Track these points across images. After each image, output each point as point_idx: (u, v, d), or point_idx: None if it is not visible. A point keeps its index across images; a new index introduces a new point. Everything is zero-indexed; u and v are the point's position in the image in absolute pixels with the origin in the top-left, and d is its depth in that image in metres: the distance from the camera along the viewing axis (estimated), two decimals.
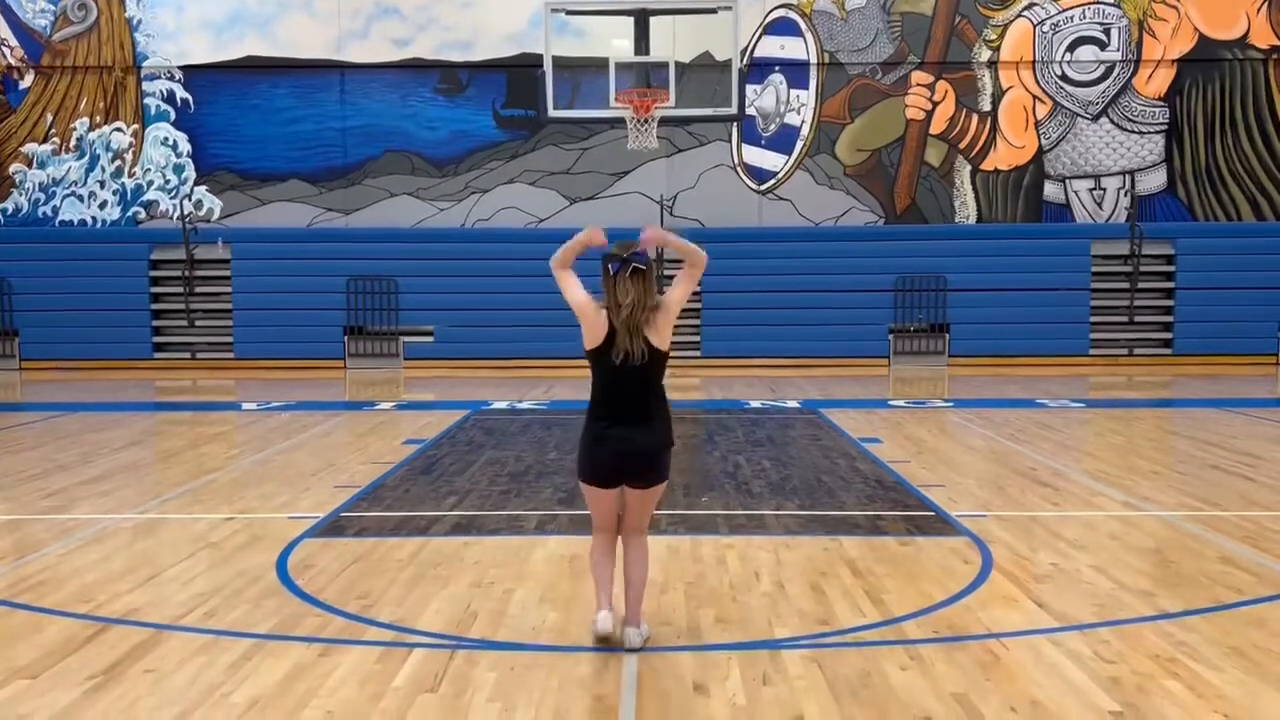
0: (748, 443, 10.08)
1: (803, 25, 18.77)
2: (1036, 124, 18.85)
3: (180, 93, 18.94)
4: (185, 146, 19.00)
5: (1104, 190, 18.93)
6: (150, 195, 19.07)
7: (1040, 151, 18.90)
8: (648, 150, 14.85)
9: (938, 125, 18.88)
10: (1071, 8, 18.66)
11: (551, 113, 14.52)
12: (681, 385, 15.18)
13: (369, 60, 18.84)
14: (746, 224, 18.77)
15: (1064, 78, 18.75)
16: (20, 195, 19.08)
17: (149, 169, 19.05)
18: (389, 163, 18.98)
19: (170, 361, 18.68)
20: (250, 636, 4.72)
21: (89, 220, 19.07)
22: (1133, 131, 18.79)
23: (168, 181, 19.05)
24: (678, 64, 14.49)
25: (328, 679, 4.22)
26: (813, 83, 18.83)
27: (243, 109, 18.96)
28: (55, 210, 19.07)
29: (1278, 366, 18.04)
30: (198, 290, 18.72)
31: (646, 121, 13.79)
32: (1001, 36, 18.76)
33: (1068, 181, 18.94)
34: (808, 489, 7.92)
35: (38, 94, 19.04)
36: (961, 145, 18.91)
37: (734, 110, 14.49)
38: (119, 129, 19.02)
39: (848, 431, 10.70)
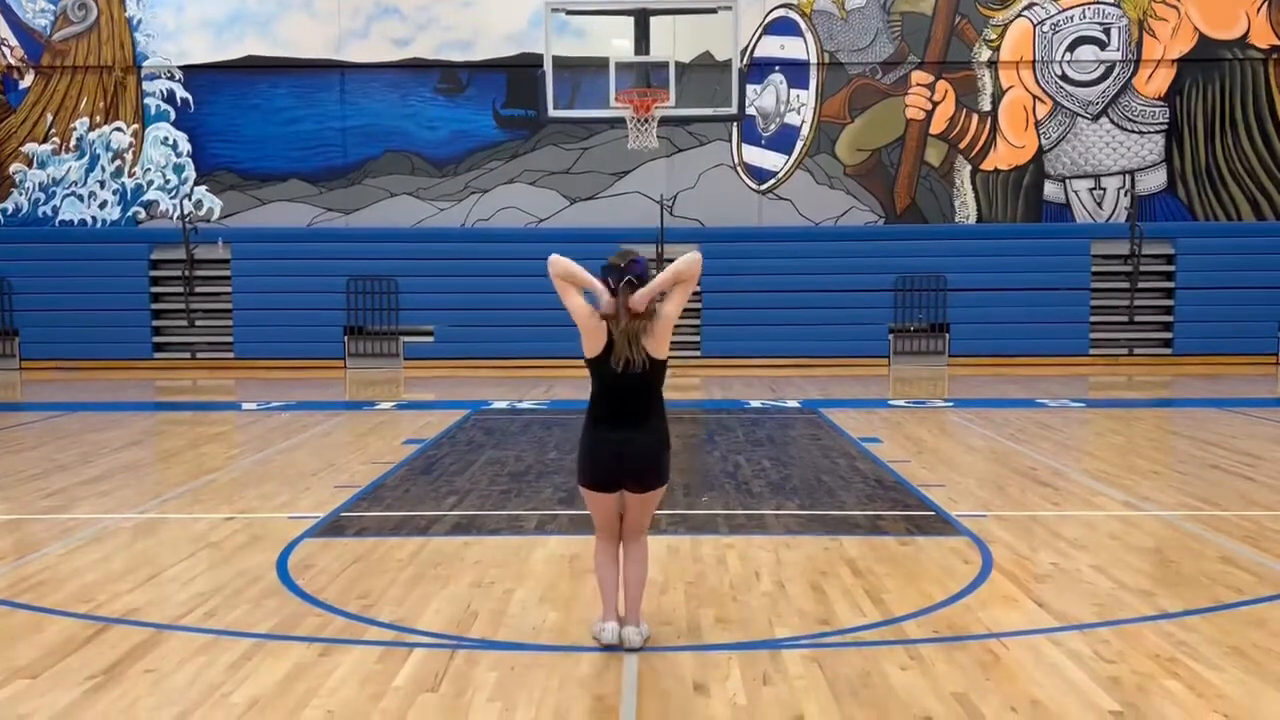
0: (748, 442, 10.08)
1: (803, 25, 18.77)
2: (1036, 124, 18.85)
3: (180, 92, 18.95)
4: (185, 146, 19.00)
5: (1104, 190, 18.93)
6: (150, 195, 19.07)
7: (1040, 151, 18.90)
8: (648, 150, 14.85)
9: (938, 125, 18.88)
10: (1071, 8, 18.66)
11: (551, 113, 14.52)
12: (681, 385, 15.19)
13: (369, 60, 18.84)
14: (746, 224, 18.77)
15: (1064, 77, 18.75)
16: (20, 195, 19.09)
17: (149, 169, 19.05)
18: (389, 163, 18.98)
19: (170, 361, 18.68)
20: (250, 636, 4.72)
21: (89, 220, 19.08)
22: (1133, 131, 18.79)
23: (168, 181, 19.05)
24: (678, 64, 14.49)
25: (328, 679, 4.22)
26: (813, 82, 18.83)
27: (243, 109, 18.97)
28: (55, 210, 19.08)
29: (1278, 366, 18.05)
30: (198, 290, 18.73)
31: (646, 121, 13.79)
32: (1001, 36, 18.77)
33: (1068, 181, 18.94)
34: (808, 489, 7.92)
35: (38, 94, 19.04)
36: (961, 145, 18.91)
37: (734, 110, 14.49)
38: (119, 129, 19.02)
39: (848, 431, 10.70)
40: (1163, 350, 18.57)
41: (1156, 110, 18.74)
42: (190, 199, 18.96)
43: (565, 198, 18.85)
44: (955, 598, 5.23)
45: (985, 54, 18.78)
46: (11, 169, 19.04)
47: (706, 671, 4.29)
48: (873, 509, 7.25)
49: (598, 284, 4.43)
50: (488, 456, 9.32)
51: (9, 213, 19.08)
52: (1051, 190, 18.95)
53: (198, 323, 18.79)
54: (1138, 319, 18.63)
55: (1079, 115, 18.79)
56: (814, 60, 18.79)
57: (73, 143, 19.03)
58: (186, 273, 18.66)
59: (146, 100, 18.98)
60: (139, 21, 18.89)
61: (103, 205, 19.07)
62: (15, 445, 10.37)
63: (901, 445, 9.95)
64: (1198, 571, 5.71)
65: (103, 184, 19.06)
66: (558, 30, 15.32)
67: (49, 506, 7.48)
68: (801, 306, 18.14)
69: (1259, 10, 18.51)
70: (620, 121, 14.49)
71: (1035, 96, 18.81)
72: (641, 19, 13.81)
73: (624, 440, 4.45)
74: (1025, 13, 18.69)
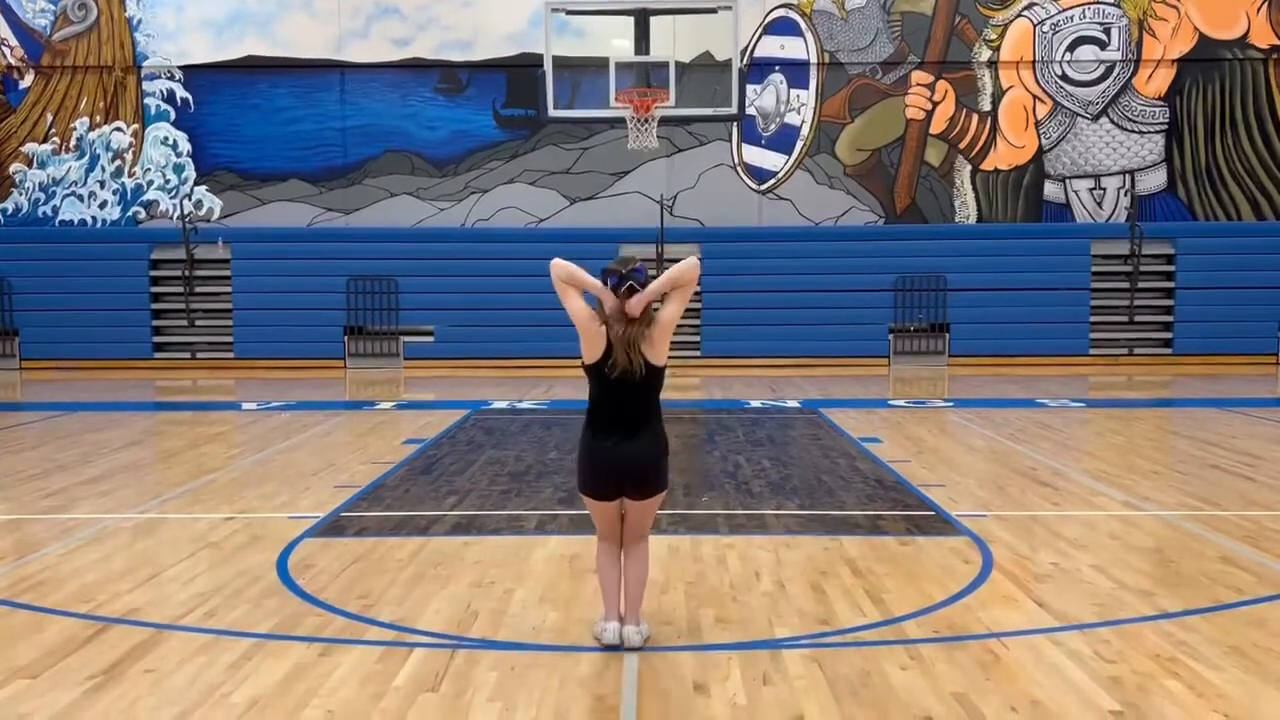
0: (748, 442, 10.08)
1: (803, 25, 18.77)
2: (1036, 124, 18.85)
3: (180, 92, 18.94)
4: (185, 146, 19.00)
5: (1104, 190, 18.93)
6: (150, 195, 19.07)
7: (1040, 151, 18.90)
8: (648, 150, 14.84)
9: (938, 125, 18.88)
10: (1071, 8, 18.66)
11: (551, 112, 14.51)
12: (681, 385, 15.18)
13: (369, 60, 18.84)
14: (746, 224, 18.77)
15: (1064, 77, 18.75)
16: (20, 195, 19.08)
17: (149, 169, 19.05)
18: (389, 162, 18.98)
19: (170, 361, 18.68)
20: (250, 636, 4.72)
21: (89, 220, 19.07)
22: (1133, 131, 18.79)
23: (168, 181, 19.05)
24: (678, 64, 14.48)
25: (328, 679, 4.22)
26: (813, 82, 18.83)
27: (243, 109, 18.97)
28: (55, 210, 19.07)
29: (1278, 366, 18.04)
30: (198, 290, 18.73)
31: (646, 121, 13.79)
32: (1001, 36, 18.76)
33: (1068, 181, 18.94)
34: (808, 489, 7.92)
35: (38, 94, 19.04)
36: (961, 145, 18.91)
37: (734, 110, 14.49)
38: (119, 129, 19.02)
39: (848, 431, 10.70)
40: (1163, 350, 18.58)
41: (1156, 110, 18.74)
42: (190, 199, 18.96)
43: (565, 198, 18.84)
44: (955, 598, 5.24)
45: (985, 54, 18.78)
46: (11, 169, 19.03)
47: (706, 671, 4.29)
48: (873, 509, 7.25)
49: (599, 286, 4.44)
50: (488, 456, 9.32)
51: (9, 213, 19.08)
52: (1051, 190, 18.95)
53: (198, 323, 18.79)
54: (1138, 319, 18.63)
55: (1079, 115, 18.79)
56: (814, 60, 18.79)
57: (73, 143, 19.03)
58: (186, 273, 18.66)
59: (146, 100, 18.98)
60: (139, 21, 18.89)
61: (103, 205, 19.07)
62: (15, 445, 10.37)
63: (901, 445, 9.95)
64: (1198, 571, 5.71)
65: (103, 184, 19.06)
66: (558, 30, 15.32)
67: (49, 506, 7.48)
68: (801, 306, 18.14)
69: (1259, 10, 18.51)
70: (620, 121, 14.49)
71: (1035, 96, 18.81)
72: (641, 19, 13.81)
73: (623, 448, 4.45)
74: (1025, 13, 18.69)
